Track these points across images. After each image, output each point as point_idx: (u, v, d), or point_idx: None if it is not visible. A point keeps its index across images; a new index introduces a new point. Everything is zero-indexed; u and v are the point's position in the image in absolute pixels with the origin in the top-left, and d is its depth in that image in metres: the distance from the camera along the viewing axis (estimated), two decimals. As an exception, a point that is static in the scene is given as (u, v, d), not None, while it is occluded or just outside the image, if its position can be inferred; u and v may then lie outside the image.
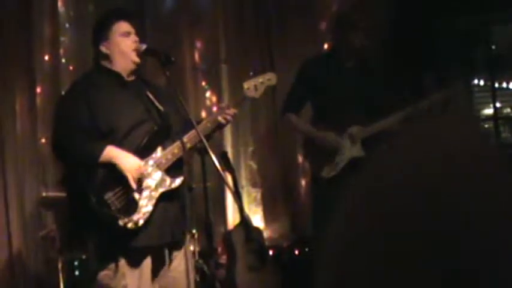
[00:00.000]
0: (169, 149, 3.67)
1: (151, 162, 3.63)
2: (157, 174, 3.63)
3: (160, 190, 3.62)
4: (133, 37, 3.73)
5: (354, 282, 0.70)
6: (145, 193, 3.58)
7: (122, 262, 3.55)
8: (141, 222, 3.51)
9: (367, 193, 0.76)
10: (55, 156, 3.86)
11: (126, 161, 3.53)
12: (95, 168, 3.50)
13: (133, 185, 3.51)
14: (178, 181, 3.68)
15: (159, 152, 3.66)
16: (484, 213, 0.68)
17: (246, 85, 3.89)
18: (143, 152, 3.63)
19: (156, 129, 3.68)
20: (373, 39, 5.03)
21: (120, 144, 3.56)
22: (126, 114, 3.64)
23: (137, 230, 3.52)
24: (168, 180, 3.65)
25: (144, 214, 3.54)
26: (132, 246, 3.55)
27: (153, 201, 3.58)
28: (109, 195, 3.49)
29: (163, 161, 3.65)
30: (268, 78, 3.96)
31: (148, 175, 3.60)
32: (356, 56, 4.88)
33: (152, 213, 3.57)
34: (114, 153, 3.52)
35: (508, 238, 0.68)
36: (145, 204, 3.56)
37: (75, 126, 3.56)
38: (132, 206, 3.53)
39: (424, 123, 0.78)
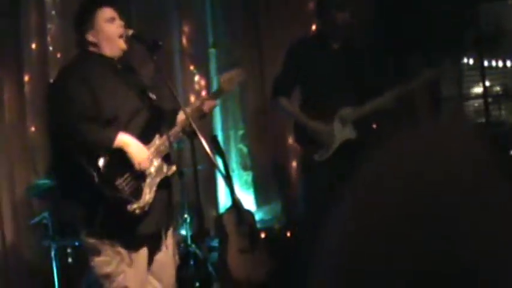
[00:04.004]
0: (165, 136, 3.67)
1: (152, 149, 3.63)
2: (157, 162, 3.64)
3: (160, 177, 3.63)
4: (118, 22, 3.69)
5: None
6: (148, 180, 3.58)
7: (121, 249, 3.54)
8: (146, 208, 3.52)
9: (367, 194, 0.76)
10: (54, 144, 3.76)
11: (137, 150, 3.52)
12: (97, 154, 3.46)
13: (139, 175, 3.52)
14: (174, 167, 3.69)
15: (157, 140, 3.66)
16: (483, 219, 0.69)
17: (222, 79, 3.95)
18: (144, 140, 3.62)
19: (152, 117, 3.68)
20: (358, 19, 5.00)
21: (123, 131, 3.54)
22: (126, 101, 3.61)
23: (139, 217, 3.52)
24: (165, 167, 3.66)
25: (147, 200, 3.54)
26: (133, 233, 3.54)
27: (154, 188, 3.58)
28: (120, 181, 3.48)
29: (163, 148, 3.65)
30: (238, 74, 4.00)
31: (151, 163, 3.61)
32: (342, 37, 4.86)
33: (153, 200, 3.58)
34: (126, 141, 3.50)
35: (507, 244, 0.69)
36: (149, 191, 3.56)
37: (79, 113, 3.46)
38: (138, 193, 3.52)
39: (423, 127, 0.78)
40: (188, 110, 3.77)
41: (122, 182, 3.48)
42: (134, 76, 3.78)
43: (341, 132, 4.77)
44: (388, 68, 5.89)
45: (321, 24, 4.96)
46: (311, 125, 4.76)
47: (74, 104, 3.48)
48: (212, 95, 4.01)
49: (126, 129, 3.55)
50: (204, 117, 3.93)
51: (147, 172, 3.57)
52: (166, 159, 3.71)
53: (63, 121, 3.50)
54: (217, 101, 3.95)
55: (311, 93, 4.85)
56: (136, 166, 3.50)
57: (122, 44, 3.67)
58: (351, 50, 4.88)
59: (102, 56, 3.67)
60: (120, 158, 3.48)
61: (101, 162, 3.45)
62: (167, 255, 3.75)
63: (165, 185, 3.68)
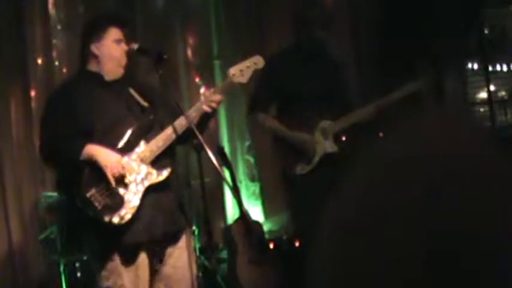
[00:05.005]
0: (153, 141, 3.64)
1: (134, 156, 3.60)
2: (142, 168, 3.60)
3: (147, 183, 3.58)
4: (124, 46, 3.72)
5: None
6: (131, 187, 3.55)
7: (117, 261, 3.54)
8: (128, 216, 3.48)
9: (363, 192, 0.75)
10: (45, 163, 3.89)
11: (105, 156, 3.50)
12: (81, 168, 3.50)
13: (112, 181, 3.48)
14: (165, 173, 3.63)
15: (142, 146, 3.63)
16: (481, 214, 0.69)
17: (231, 71, 3.83)
18: (126, 148, 3.60)
19: (138, 124, 3.65)
20: (333, 33, 4.95)
21: (101, 142, 3.54)
22: (106, 112, 3.62)
23: (128, 225, 3.50)
24: (154, 173, 3.62)
25: (131, 209, 3.51)
26: (125, 243, 3.52)
27: (140, 195, 3.55)
28: (92, 193, 3.47)
29: (148, 154, 3.61)
30: (254, 62, 3.89)
31: (132, 169, 3.57)
32: (320, 50, 4.82)
33: (140, 207, 3.54)
34: (93, 151, 3.50)
35: (505, 238, 0.69)
36: (132, 199, 3.53)
37: (56, 132, 3.56)
38: (118, 202, 3.50)
39: (424, 125, 0.78)
40: (194, 111, 3.73)
41: (95, 193, 3.48)
42: (127, 86, 3.77)
43: (322, 145, 4.71)
44: (387, 75, 5.88)
45: (297, 38, 4.88)
46: (293, 136, 4.68)
47: (50, 125, 3.63)
48: (218, 89, 3.88)
49: (105, 139, 3.56)
50: (209, 117, 3.82)
51: (130, 179, 3.55)
52: (163, 165, 3.65)
53: (41, 137, 3.70)
54: (220, 97, 3.77)
55: (289, 106, 4.73)
56: (108, 172, 3.48)
57: (119, 70, 3.71)
58: (330, 62, 4.84)
59: (90, 73, 3.71)
60: (97, 169, 3.50)
61: (81, 175, 3.49)
62: (179, 264, 3.71)
63: (163, 190, 3.65)
